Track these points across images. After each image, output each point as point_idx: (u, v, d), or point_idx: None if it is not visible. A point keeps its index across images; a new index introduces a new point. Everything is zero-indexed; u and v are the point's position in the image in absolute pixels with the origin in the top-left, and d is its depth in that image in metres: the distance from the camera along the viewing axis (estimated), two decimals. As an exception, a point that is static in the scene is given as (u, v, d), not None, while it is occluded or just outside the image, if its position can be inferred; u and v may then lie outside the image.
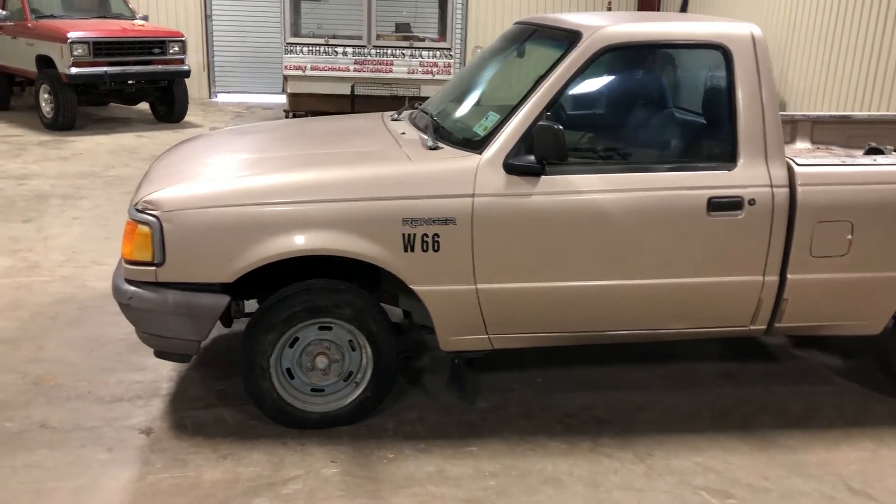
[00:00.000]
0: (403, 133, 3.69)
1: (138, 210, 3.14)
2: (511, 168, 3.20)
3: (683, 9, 3.76)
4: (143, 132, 10.84)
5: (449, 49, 12.44)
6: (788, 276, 3.40)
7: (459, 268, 3.22)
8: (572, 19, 3.59)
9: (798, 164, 3.36)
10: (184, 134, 10.78)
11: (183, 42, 11.15)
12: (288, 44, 12.16)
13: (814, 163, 3.39)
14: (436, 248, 3.18)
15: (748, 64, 3.33)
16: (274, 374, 3.32)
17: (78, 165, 8.56)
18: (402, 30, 13.08)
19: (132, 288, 3.18)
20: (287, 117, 12.60)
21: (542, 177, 3.21)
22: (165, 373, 3.87)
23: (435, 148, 3.37)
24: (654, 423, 3.57)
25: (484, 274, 3.24)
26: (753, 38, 3.35)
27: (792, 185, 3.32)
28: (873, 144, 4.19)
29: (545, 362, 4.07)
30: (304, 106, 12.57)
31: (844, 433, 3.53)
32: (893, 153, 4.10)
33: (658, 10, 15.18)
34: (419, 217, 3.14)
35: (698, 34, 3.38)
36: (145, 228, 3.10)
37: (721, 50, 3.33)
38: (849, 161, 3.44)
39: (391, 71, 12.32)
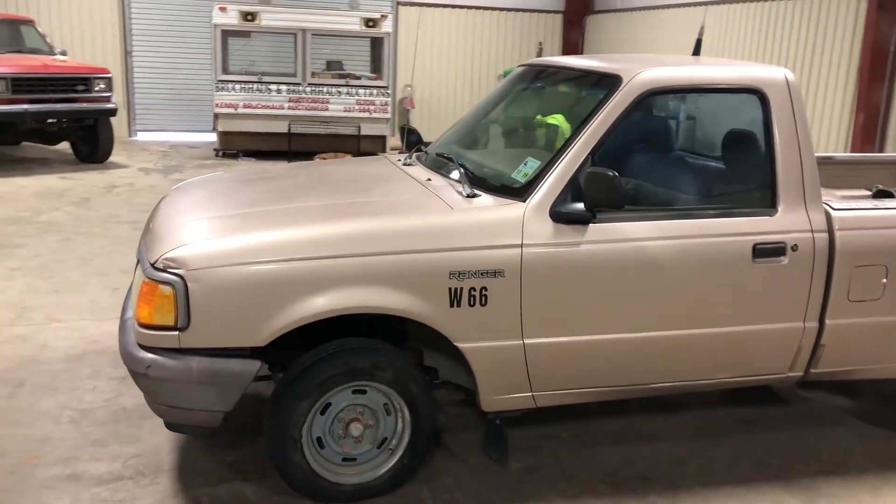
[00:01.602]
0: (429, 179, 3.49)
1: (159, 269, 2.81)
2: (559, 216, 3.05)
3: (696, 52, 3.78)
4: (67, 173, 10.18)
5: (386, 87, 12.37)
6: (827, 321, 3.37)
7: (507, 322, 3.03)
8: (602, 63, 3.50)
9: (834, 209, 3.34)
10: (110, 175, 10.19)
11: (109, 79, 10.60)
12: (219, 81, 11.79)
13: (849, 207, 3.39)
14: (483, 302, 2.98)
15: (784, 107, 3.31)
16: (306, 444, 3.02)
17: (1, 210, 7.91)
18: (334, 67, 12.90)
19: (150, 355, 2.83)
20: (217, 156, 12.15)
21: (591, 225, 3.07)
22: (164, 443, 3.49)
23: (472, 196, 3.18)
24: (697, 476, 3.44)
25: (531, 328, 3.06)
26: (788, 81, 3.33)
27: (831, 230, 3.30)
28: (881, 187, 4.26)
29: (566, 415, 3.90)
30: (235, 144, 12.18)
31: (882, 479, 3.49)
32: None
33: (581, 52, 15.56)
34: (467, 269, 2.94)
35: (735, 78, 3.35)
36: (167, 289, 2.77)
37: (758, 94, 3.30)
38: (881, 205, 3.46)
39: (327, 109, 12.11)
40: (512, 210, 3.06)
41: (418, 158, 3.93)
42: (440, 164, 3.65)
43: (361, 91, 12.21)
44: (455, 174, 3.41)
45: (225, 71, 11.87)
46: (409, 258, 2.90)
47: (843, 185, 4.94)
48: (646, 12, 13.60)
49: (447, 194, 3.24)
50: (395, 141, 12.81)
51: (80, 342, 4.58)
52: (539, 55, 15.46)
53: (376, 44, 12.72)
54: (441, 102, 15.25)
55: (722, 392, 4.27)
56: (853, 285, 3.34)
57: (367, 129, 12.17)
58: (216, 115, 11.96)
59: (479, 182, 3.31)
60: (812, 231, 3.28)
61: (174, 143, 13.37)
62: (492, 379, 3.11)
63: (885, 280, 3.37)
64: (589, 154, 3.11)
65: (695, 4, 12.15)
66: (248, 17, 11.67)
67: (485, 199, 3.16)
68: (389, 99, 12.40)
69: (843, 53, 9.38)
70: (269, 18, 11.80)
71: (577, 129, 3.17)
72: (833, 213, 3.33)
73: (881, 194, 4.13)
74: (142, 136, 13.96)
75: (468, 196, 3.18)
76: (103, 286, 5.65)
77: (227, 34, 11.91)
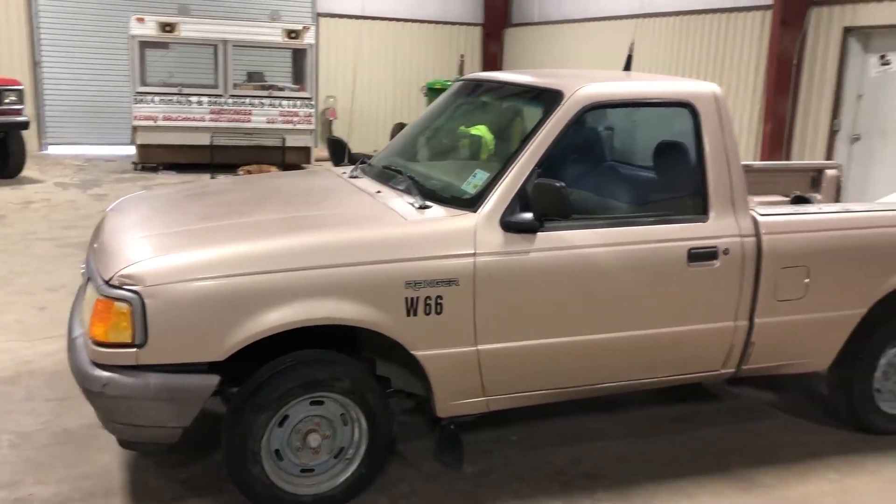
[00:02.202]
0: (379, 192, 3.55)
1: (114, 286, 2.78)
2: (508, 226, 3.16)
3: (627, 67, 3.95)
4: (-25, 189, 9.76)
5: (310, 98, 12.33)
6: (756, 319, 3.59)
7: (461, 329, 3.12)
8: (543, 79, 3.64)
9: (761, 215, 3.57)
10: (24, 191, 9.82)
11: (20, 91, 10.24)
12: (137, 93, 11.54)
13: (774, 213, 3.62)
14: (438, 310, 3.07)
15: (713, 120, 3.52)
16: (265, 457, 3.02)
17: None
18: (256, 79, 12.77)
19: (105, 373, 2.79)
20: (136, 170, 11.85)
21: (538, 233, 3.19)
22: (113, 463, 3.43)
23: (424, 207, 3.26)
24: (642, 472, 3.60)
25: (484, 334, 3.16)
26: (716, 96, 3.55)
27: (758, 235, 3.52)
28: (798, 193, 4.55)
29: (514, 419, 4.01)
30: (155, 157, 11.92)
31: (808, 467, 3.73)
32: (820, 201, 4.46)
33: (500, 68, 15.85)
34: (423, 279, 3.02)
35: (668, 93, 3.54)
36: (124, 306, 2.75)
37: (689, 108, 3.50)
38: (801, 210, 3.71)
39: (250, 121, 11.99)
40: (464, 220, 3.15)
41: (363, 171, 3.98)
42: (388, 177, 3.72)
43: (285, 102, 12.13)
44: (404, 186, 3.48)
45: (143, 83, 11.62)
46: (366, 269, 2.96)
47: (760, 191, 5.23)
48: (562, 25, 13.99)
49: (399, 206, 3.31)
50: (319, 152, 12.77)
51: (12, 364, 4.43)
52: (461, 67, 15.68)
53: (298, 55, 12.67)
54: (364, 113, 15.28)
55: (657, 391, 4.46)
56: (779, 286, 3.57)
57: (291, 141, 12.09)
58: (135, 128, 11.68)
59: (428, 194, 3.39)
60: (741, 236, 3.49)
61: (90, 157, 12.95)
62: (447, 385, 3.19)
63: (807, 280, 3.61)
64: (535, 166, 3.24)
65: (608, 18, 12.58)
66: (167, 27, 11.46)
67: (436, 210, 3.25)
68: (313, 110, 12.36)
69: (751, 66, 9.89)
70: (189, 29, 11.61)
71: (523, 143, 3.30)
72: (760, 219, 3.55)
73: (799, 200, 4.41)
74: (53, 150, 13.46)
75: (420, 207, 3.26)
76: (29, 305, 5.46)
77: (145, 45, 11.65)
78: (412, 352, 3.08)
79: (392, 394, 3.51)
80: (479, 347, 3.17)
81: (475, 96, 4.16)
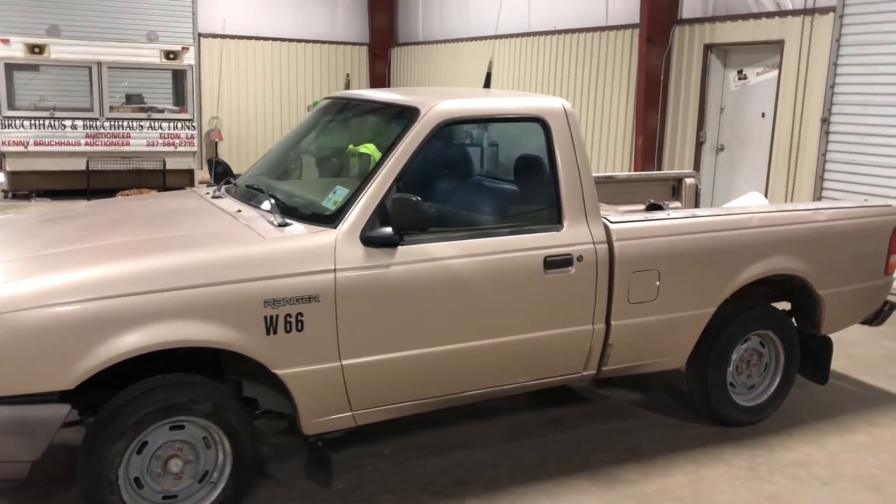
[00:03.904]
0: (239, 211, 3.54)
1: (-50, 315, 2.67)
2: (369, 240, 3.21)
3: (487, 84, 4.07)
4: None
5: (191, 120, 12.08)
6: (613, 322, 3.76)
7: (324, 346, 3.14)
8: (401, 96, 3.72)
9: (612, 222, 3.75)
10: None
11: None
12: (5, 117, 11.01)
13: (624, 220, 3.81)
14: (299, 327, 3.08)
15: (563, 134, 3.68)
16: (123, 486, 2.95)
17: None
18: (135, 101, 12.41)
19: (-57, 408, 2.67)
20: (6, 197, 11.30)
21: (399, 247, 3.26)
22: (-39, 506, 3.26)
23: (284, 225, 3.27)
24: (510, 476, 3.70)
25: (348, 349, 3.19)
26: (565, 110, 3.71)
27: (609, 241, 3.70)
28: (653, 201, 4.79)
29: (387, 433, 4.05)
30: (27, 184, 11.41)
31: (668, 461, 3.92)
32: (671, 208, 4.71)
33: (388, 86, 15.98)
34: (282, 297, 3.03)
35: (520, 108, 3.68)
36: (-39, 336, 2.64)
37: (540, 122, 3.65)
38: (650, 217, 3.91)
39: (129, 144, 11.66)
40: (323, 237, 3.18)
41: (227, 191, 3.96)
42: (251, 196, 3.71)
43: (165, 124, 11.85)
44: (266, 205, 3.49)
45: (11, 106, 11.12)
46: (220, 290, 2.94)
47: (625, 201, 5.51)
48: (446, 45, 14.24)
49: (258, 224, 3.31)
50: (203, 174, 12.51)
51: None
52: (347, 86, 15.71)
53: (179, 76, 12.40)
54: (250, 134, 15.07)
55: (529, 397, 4.60)
56: (632, 289, 3.76)
57: (172, 164, 11.81)
58: (3, 154, 11.14)
59: (290, 211, 3.41)
60: (594, 243, 3.65)
61: (-45, 185, 12.24)
62: (311, 402, 3.19)
63: (658, 283, 3.81)
64: (394, 181, 3.30)
65: (489, 38, 12.88)
66: (36, 49, 11.01)
67: (296, 227, 3.26)
68: (195, 132, 12.12)
69: (622, 82, 10.34)
70: (60, 51, 11.19)
71: (382, 159, 3.36)
72: (611, 226, 3.73)
73: (653, 207, 4.65)
74: (-86, 179, 12.64)
75: (280, 225, 3.26)
76: None
77: (12, 67, 11.15)
78: (274, 370, 3.07)
79: (262, 414, 3.49)
80: (344, 363, 3.19)
81: (341, 115, 4.20)
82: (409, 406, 3.45)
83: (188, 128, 11.98)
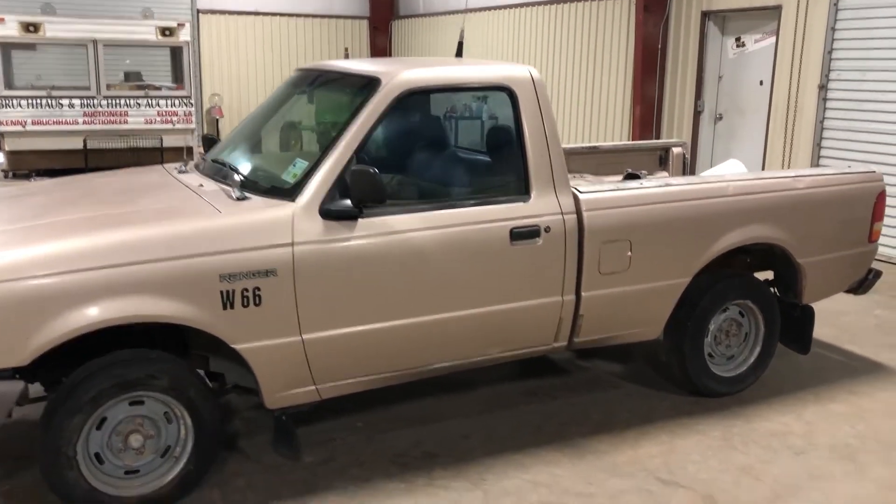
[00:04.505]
0: (201, 185, 3.51)
1: None
2: (328, 213, 3.18)
3: (459, 54, 4.04)
4: None
5: (188, 97, 12.04)
6: (583, 293, 3.71)
7: (283, 320, 3.12)
8: (364, 66, 3.67)
9: (581, 192, 3.69)
10: None
11: None
12: (2, 97, 11.01)
13: (594, 189, 3.75)
14: (257, 302, 3.06)
15: (531, 103, 3.61)
16: (82, 461, 2.96)
17: None
18: (132, 79, 12.38)
19: None
20: (6, 177, 11.34)
21: (360, 220, 3.22)
22: (-70, 482, 3.29)
23: (243, 198, 3.24)
24: (480, 448, 3.69)
25: (309, 323, 3.17)
26: (533, 79, 3.64)
27: (579, 212, 3.65)
28: (630, 170, 4.72)
29: (362, 406, 4.05)
30: (27, 164, 11.43)
31: (642, 431, 3.89)
32: (648, 177, 4.65)
33: (389, 56, 15.88)
34: (238, 272, 3.01)
35: (486, 78, 3.61)
36: (-88, 315, 2.64)
37: (507, 91, 3.59)
38: (622, 186, 3.85)
39: (126, 122, 11.65)
40: (281, 210, 3.15)
41: (196, 166, 3.93)
42: (216, 171, 3.68)
43: (163, 102, 11.82)
44: (227, 179, 3.46)
45: (8, 86, 11.12)
46: (174, 264, 2.92)
47: (610, 171, 5.43)
48: (448, 17, 14.09)
49: (217, 199, 3.28)
50: (202, 151, 12.51)
51: None
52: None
53: (175, 53, 12.34)
54: (251, 110, 15.01)
55: (509, 369, 4.58)
56: (603, 260, 3.71)
57: (171, 141, 11.79)
58: (1, 134, 11.16)
59: (251, 185, 3.38)
60: (562, 213, 3.60)
61: (-44, 166, 12.30)
62: (273, 376, 3.19)
63: (629, 253, 3.76)
64: (354, 153, 3.26)
65: (490, 9, 12.74)
66: (31, 28, 10.98)
67: (255, 201, 3.23)
68: (193, 109, 12.08)
69: (620, 52, 10.20)
70: (55, 29, 11.16)
71: (342, 130, 3.31)
72: (581, 196, 3.68)
73: (630, 177, 4.58)
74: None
75: (238, 199, 3.24)
76: None
77: (8, 47, 11.14)
78: (232, 345, 3.06)
79: (231, 389, 3.49)
80: (304, 337, 3.18)
81: (310, 87, 4.15)
82: (374, 379, 3.44)
83: (186, 105, 11.95)
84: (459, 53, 4.28)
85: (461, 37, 4.23)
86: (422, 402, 4.15)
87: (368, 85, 3.44)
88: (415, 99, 3.51)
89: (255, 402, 3.98)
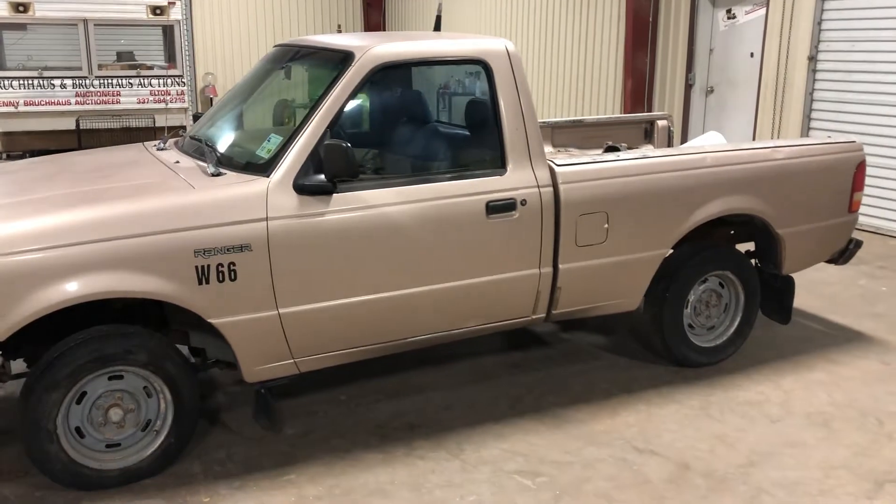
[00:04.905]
0: (177, 162, 3.53)
1: None
2: (302, 188, 3.20)
3: (437, 28, 4.03)
4: None
5: (181, 76, 11.99)
6: (560, 266, 3.74)
7: (259, 294, 3.16)
8: (340, 41, 3.67)
9: (558, 165, 3.71)
10: None
11: None
12: (-6, 78, 10.98)
13: (570, 162, 3.77)
14: (233, 277, 3.09)
15: (506, 76, 3.62)
16: (62, 435, 3.01)
17: None
18: (125, 59, 12.33)
19: None
20: (1, 159, 11.34)
21: (334, 195, 3.25)
22: (-84, 457, 3.35)
23: (218, 174, 3.27)
24: (461, 419, 3.74)
25: (285, 298, 3.21)
26: (508, 52, 3.65)
27: (555, 184, 3.67)
28: (611, 143, 4.73)
29: (345, 379, 4.10)
30: (20, 145, 11.41)
31: (621, 401, 3.94)
32: (628, 149, 4.66)
33: (384, 30, 15.80)
34: (213, 247, 3.04)
35: (461, 51, 3.62)
36: None
37: (482, 64, 3.60)
38: (599, 158, 3.86)
39: (119, 102, 11.62)
40: (255, 185, 3.17)
41: (175, 143, 3.95)
42: (193, 147, 3.70)
43: (155, 81, 11.78)
44: (204, 155, 3.48)
45: (0, 67, 11.08)
46: (149, 240, 2.95)
47: (595, 145, 5.45)
48: (440, -8, 14.00)
49: (192, 175, 3.31)
50: (196, 131, 12.49)
51: None
52: (341, 37, 15.51)
53: (167, 32, 12.28)
54: (245, 89, 14.96)
55: (492, 342, 4.62)
56: (580, 232, 3.73)
57: (162, 121, 11.77)
58: (-5, 115, 11.15)
59: (226, 161, 3.40)
60: (538, 186, 3.62)
61: (-50, 148, 12.31)
62: (251, 350, 3.23)
63: (606, 225, 3.79)
64: (328, 127, 3.28)
65: (482, -17, 12.66)
66: (20, 7, 10.93)
67: (230, 176, 3.26)
68: (186, 88, 12.05)
69: (611, 25, 10.14)
70: (45, 9, 11.10)
71: (315, 105, 3.33)
72: (557, 169, 3.69)
73: (610, 149, 4.59)
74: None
75: (213, 175, 3.26)
76: None
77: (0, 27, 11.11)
78: (209, 320, 3.10)
79: (213, 364, 3.53)
80: (281, 311, 3.21)
81: (289, 63, 4.15)
82: (352, 353, 3.48)
83: (178, 84, 11.91)
84: (438, 28, 4.27)
85: (439, 10, 4.22)
86: (406, 375, 4.20)
87: (343, 60, 3.45)
88: (390, 73, 3.52)
89: (238, 378, 4.01)
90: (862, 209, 7.05)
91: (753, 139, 8.35)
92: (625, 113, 9.79)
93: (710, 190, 3.98)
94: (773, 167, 4.17)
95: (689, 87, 9.33)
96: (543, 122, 5.30)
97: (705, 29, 9.12)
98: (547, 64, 11.24)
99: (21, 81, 11.13)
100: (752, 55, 8.57)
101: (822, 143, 4.40)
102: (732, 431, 3.65)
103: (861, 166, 4.46)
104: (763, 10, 8.26)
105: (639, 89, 9.68)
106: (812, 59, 7.67)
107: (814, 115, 7.78)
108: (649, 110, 9.68)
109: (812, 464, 3.37)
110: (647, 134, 5.78)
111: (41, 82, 11.22)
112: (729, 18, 8.90)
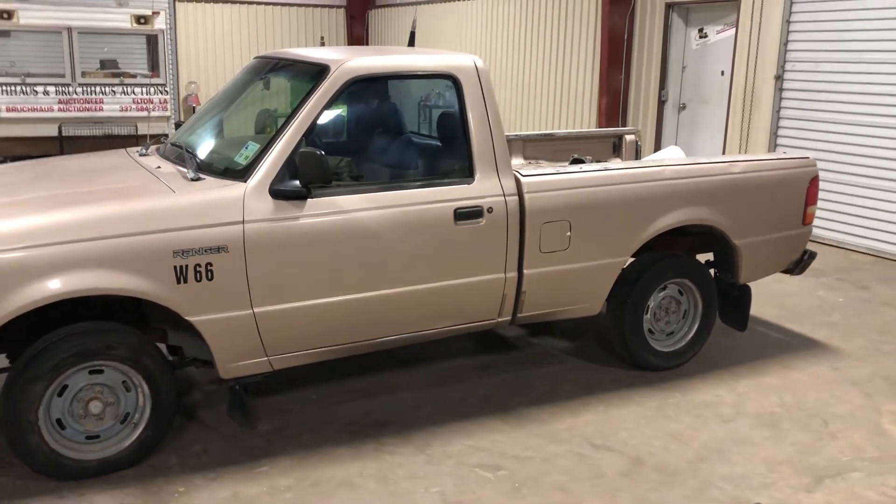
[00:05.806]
0: (159, 167, 3.69)
1: None
2: (278, 194, 3.37)
3: (411, 43, 4.20)
4: None
5: (164, 85, 12.12)
6: (525, 271, 3.93)
7: (235, 294, 3.31)
8: (317, 54, 3.85)
9: (523, 175, 3.90)
10: None
11: None
12: (-24, 84, 11.06)
13: (535, 173, 3.96)
14: (210, 276, 3.25)
15: (475, 90, 3.81)
16: (44, 426, 3.14)
17: None
18: (108, 66, 12.44)
19: None
20: (-18, 164, 11.41)
21: (308, 200, 3.41)
22: None
23: (197, 179, 3.43)
24: (429, 417, 3.90)
25: (260, 298, 3.36)
26: (476, 67, 3.84)
27: (520, 194, 3.85)
28: (576, 156, 4.93)
29: (318, 379, 4.25)
30: (2, 151, 11.47)
31: (582, 402, 4.12)
32: (592, 162, 4.86)
33: (366, 45, 16.01)
34: (190, 248, 3.19)
35: (431, 66, 3.81)
36: None
37: (451, 79, 3.79)
38: (562, 170, 4.06)
39: (102, 109, 11.73)
40: (233, 190, 3.34)
41: (157, 150, 4.11)
42: (174, 153, 3.86)
43: (138, 89, 11.90)
44: (184, 161, 3.63)
45: (-18, 73, 11.17)
46: (129, 240, 3.10)
47: (565, 158, 5.64)
48: (426, 6, 14.22)
49: (172, 179, 3.46)
50: (178, 139, 12.60)
51: None
52: (324, 49, 15.68)
53: (151, 41, 12.41)
54: (228, 99, 15.09)
55: (462, 345, 4.79)
56: (543, 239, 3.92)
57: (145, 129, 11.88)
58: (-23, 121, 11.22)
59: (206, 167, 3.56)
60: (504, 195, 3.81)
61: (-69, 153, 12.34)
62: (226, 348, 3.38)
63: (569, 233, 3.98)
64: (303, 136, 3.45)
65: (463, -1, 12.90)
66: (4, 14, 11.04)
67: (208, 181, 3.42)
68: (168, 97, 12.18)
69: (587, 43, 10.40)
70: (29, 17, 11.21)
71: (292, 114, 3.50)
72: (522, 179, 3.88)
73: (575, 162, 4.79)
74: None
75: (193, 179, 3.42)
76: None
77: (-17, 34, 11.20)
78: (186, 318, 3.25)
79: (191, 362, 3.67)
80: (256, 310, 3.37)
81: (268, 74, 4.32)
82: (324, 352, 3.64)
83: (161, 93, 12.04)
84: (412, 43, 4.47)
85: (413, 26, 4.42)
86: (378, 376, 4.36)
87: (319, 72, 3.63)
88: (364, 86, 3.70)
89: (214, 377, 4.15)
90: (823, 223, 7.38)
91: (724, 154, 8.60)
92: (599, 128, 10.03)
93: (668, 201, 4.18)
94: (730, 180, 4.38)
95: (662, 103, 9.59)
96: (515, 136, 5.51)
97: (678, 47, 9.40)
98: (524, 80, 11.48)
99: (3, 87, 11.22)
100: (722, 73, 8.85)
101: (778, 159, 4.63)
102: (686, 430, 3.84)
103: (814, 181, 4.69)
104: (733, 31, 8.54)
105: (613, 105, 9.93)
106: (779, 77, 7.95)
107: (780, 131, 8.05)
108: (623, 125, 9.93)
109: (757, 460, 3.56)
110: (616, 148, 5.99)
111: (24, 88, 11.31)
112: (701, 37, 9.18)
